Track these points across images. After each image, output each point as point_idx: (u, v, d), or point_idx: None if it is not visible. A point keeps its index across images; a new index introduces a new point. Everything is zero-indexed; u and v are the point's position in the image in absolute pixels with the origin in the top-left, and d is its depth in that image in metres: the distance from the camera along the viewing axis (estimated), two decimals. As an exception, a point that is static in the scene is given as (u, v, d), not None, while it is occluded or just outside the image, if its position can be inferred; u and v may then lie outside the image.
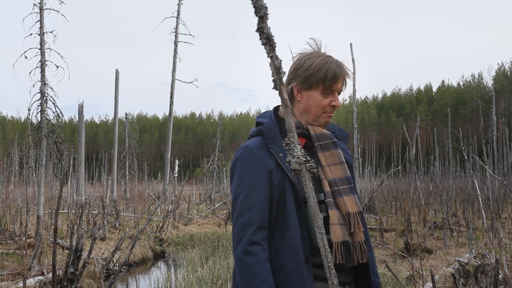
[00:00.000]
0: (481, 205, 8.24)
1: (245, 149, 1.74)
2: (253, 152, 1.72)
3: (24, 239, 8.67)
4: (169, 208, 14.52)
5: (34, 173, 19.54)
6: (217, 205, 21.37)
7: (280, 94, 1.21)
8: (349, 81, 1.82)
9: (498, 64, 71.56)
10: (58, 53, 10.17)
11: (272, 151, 1.71)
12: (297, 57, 1.82)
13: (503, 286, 4.75)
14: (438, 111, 70.84)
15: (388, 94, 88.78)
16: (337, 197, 1.74)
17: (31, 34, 10.09)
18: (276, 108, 1.86)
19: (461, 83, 78.30)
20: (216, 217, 17.50)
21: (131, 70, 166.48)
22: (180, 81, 19.04)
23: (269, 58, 1.17)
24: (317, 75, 1.74)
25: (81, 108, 12.58)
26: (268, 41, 1.15)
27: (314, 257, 1.68)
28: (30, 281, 6.28)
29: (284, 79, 1.49)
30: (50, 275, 6.14)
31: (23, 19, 10.11)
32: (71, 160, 20.18)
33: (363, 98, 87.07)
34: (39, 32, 10.07)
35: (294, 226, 1.66)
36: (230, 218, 15.39)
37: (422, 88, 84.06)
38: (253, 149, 1.72)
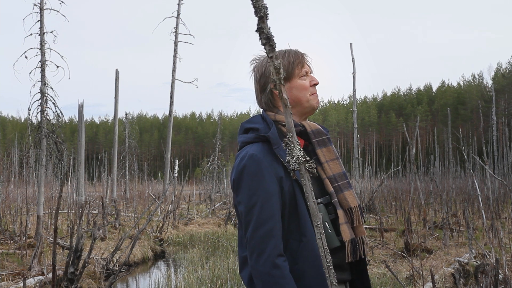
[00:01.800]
0: (481, 205, 8.24)
1: (251, 158, 1.67)
2: (260, 160, 1.66)
3: (24, 239, 8.67)
4: (169, 208, 14.52)
5: (34, 173, 19.54)
6: (217, 205, 21.37)
7: (280, 95, 1.21)
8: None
9: (497, 64, 71.46)
10: (58, 53, 10.19)
11: (279, 157, 1.68)
12: (254, 65, 1.85)
13: (503, 286, 4.75)
14: (438, 111, 70.84)
15: (388, 94, 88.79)
16: (338, 193, 1.76)
17: (31, 34, 10.10)
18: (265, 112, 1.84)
19: (461, 83, 78.30)
20: (216, 217, 17.50)
21: (131, 70, 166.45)
22: (180, 81, 19.05)
23: (269, 58, 1.18)
24: (283, 64, 1.78)
25: (81, 108, 12.58)
26: (268, 41, 1.16)
27: None
28: (30, 281, 6.28)
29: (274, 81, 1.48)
30: (50, 275, 6.14)
31: (23, 19, 10.12)
32: (71, 160, 20.17)
33: (363, 98, 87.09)
34: (39, 32, 10.08)
35: (310, 231, 1.64)
36: (230, 218, 15.40)
37: (422, 88, 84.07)
38: (259, 157, 1.66)
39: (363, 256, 1.78)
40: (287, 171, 1.67)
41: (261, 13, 1.13)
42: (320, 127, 1.84)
